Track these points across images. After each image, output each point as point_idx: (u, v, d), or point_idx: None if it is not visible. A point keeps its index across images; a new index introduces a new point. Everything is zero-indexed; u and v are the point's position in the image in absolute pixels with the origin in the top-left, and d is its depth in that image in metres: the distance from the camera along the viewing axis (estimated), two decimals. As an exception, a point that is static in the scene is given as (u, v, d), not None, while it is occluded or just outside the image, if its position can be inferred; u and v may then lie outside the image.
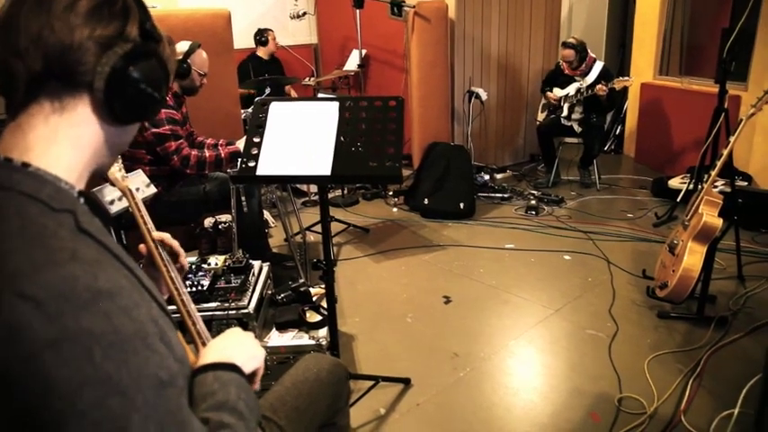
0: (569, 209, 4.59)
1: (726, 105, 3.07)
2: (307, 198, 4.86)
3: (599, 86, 4.62)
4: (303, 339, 2.26)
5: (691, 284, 2.65)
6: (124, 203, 1.13)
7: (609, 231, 4.06)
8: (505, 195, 4.82)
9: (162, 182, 2.78)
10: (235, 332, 1.03)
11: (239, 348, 0.98)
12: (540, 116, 5.33)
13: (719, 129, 3.00)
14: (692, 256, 2.64)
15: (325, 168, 1.84)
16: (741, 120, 2.78)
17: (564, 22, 6.27)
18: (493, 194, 4.85)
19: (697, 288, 2.73)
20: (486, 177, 5.04)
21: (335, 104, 1.95)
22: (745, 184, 4.33)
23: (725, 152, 2.75)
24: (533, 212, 4.46)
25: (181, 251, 1.15)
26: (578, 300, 3.10)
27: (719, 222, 2.61)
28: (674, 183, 4.57)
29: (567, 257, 3.66)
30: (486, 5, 5.18)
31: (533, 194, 4.72)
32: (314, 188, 4.81)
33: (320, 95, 4.51)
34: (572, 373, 2.47)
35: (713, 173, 2.75)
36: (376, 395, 2.30)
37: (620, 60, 6.74)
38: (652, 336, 2.72)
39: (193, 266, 2.47)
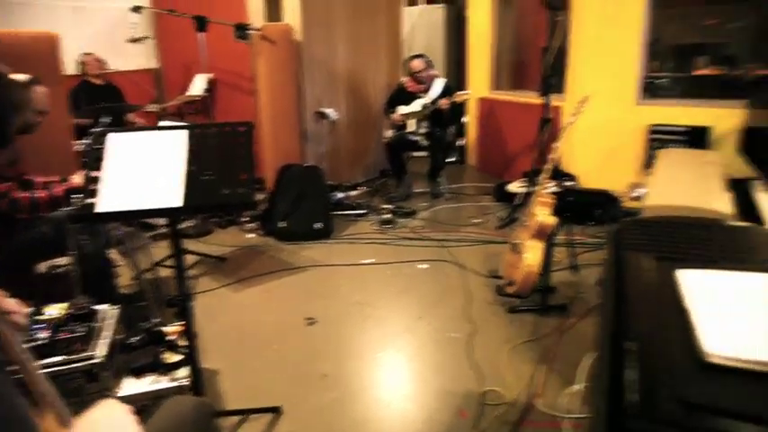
0: (422, 219, 4.80)
1: (550, 115, 3.42)
2: (155, 231, 4.57)
3: (442, 101, 4.93)
4: (162, 383, 2.12)
5: (534, 279, 2.91)
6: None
7: (459, 237, 4.31)
8: (361, 212, 4.93)
9: (-18, 228, 2.46)
10: (110, 411, 0.95)
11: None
12: (388, 133, 5.54)
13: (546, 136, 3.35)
14: (533, 253, 2.90)
15: (176, 200, 1.76)
16: (563, 127, 3.12)
17: (405, 43, 6.60)
18: (348, 212, 4.93)
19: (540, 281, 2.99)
20: (341, 195, 5.11)
21: (184, 132, 1.88)
22: (572, 183, 4.84)
23: (551, 157, 3.06)
24: (388, 226, 4.60)
25: (15, 308, 1.02)
26: (438, 305, 3.25)
27: (553, 220, 2.90)
28: (513, 187, 4.99)
29: (423, 266, 3.82)
30: (331, 27, 5.29)
31: (387, 208, 4.88)
32: (162, 219, 4.54)
33: (161, 123, 4.29)
34: (439, 376, 2.57)
35: (543, 177, 3.05)
36: (247, 430, 2.22)
37: (457, 77, 7.23)
38: (506, 330, 2.93)
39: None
